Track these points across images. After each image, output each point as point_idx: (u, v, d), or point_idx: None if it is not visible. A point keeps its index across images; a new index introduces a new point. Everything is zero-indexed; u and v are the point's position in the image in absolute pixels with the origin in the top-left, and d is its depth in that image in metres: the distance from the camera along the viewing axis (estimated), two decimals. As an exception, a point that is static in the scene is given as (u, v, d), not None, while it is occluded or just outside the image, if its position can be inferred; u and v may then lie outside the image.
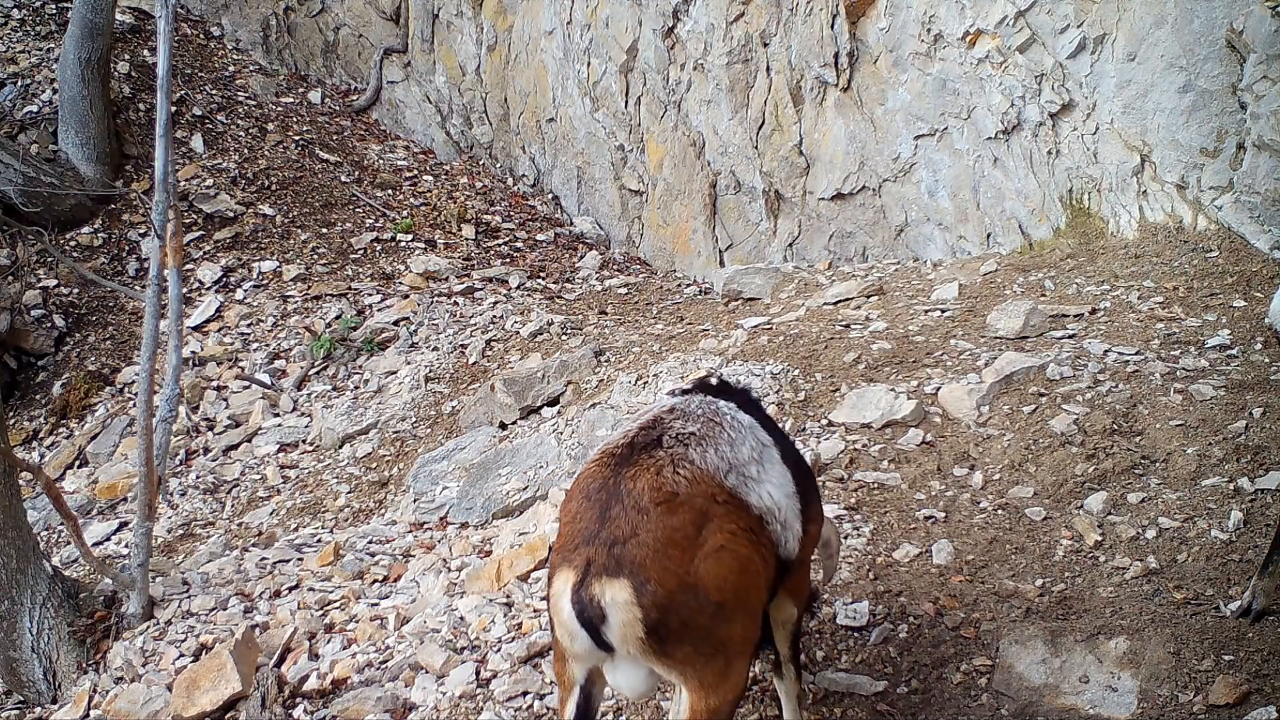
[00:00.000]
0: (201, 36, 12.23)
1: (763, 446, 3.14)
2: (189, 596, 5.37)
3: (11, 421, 8.50)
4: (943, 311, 6.50)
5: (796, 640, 3.53)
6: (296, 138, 11.14)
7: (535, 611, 4.57)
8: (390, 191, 10.82)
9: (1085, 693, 3.78)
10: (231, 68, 11.93)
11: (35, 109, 10.42)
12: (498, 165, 11.68)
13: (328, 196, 10.46)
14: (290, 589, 5.42)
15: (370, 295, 9.11)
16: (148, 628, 5.17)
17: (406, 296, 9.02)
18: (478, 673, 4.27)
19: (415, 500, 6.37)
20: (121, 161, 10.35)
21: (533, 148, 11.30)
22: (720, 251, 9.64)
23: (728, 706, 2.94)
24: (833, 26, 8.18)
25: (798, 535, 3.14)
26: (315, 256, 9.71)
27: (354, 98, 12.21)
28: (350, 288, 9.26)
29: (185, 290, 8.90)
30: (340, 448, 7.53)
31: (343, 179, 10.78)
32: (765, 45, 8.81)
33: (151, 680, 4.77)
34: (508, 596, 4.75)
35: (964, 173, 7.72)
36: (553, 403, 6.96)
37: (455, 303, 8.93)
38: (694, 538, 2.82)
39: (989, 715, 3.78)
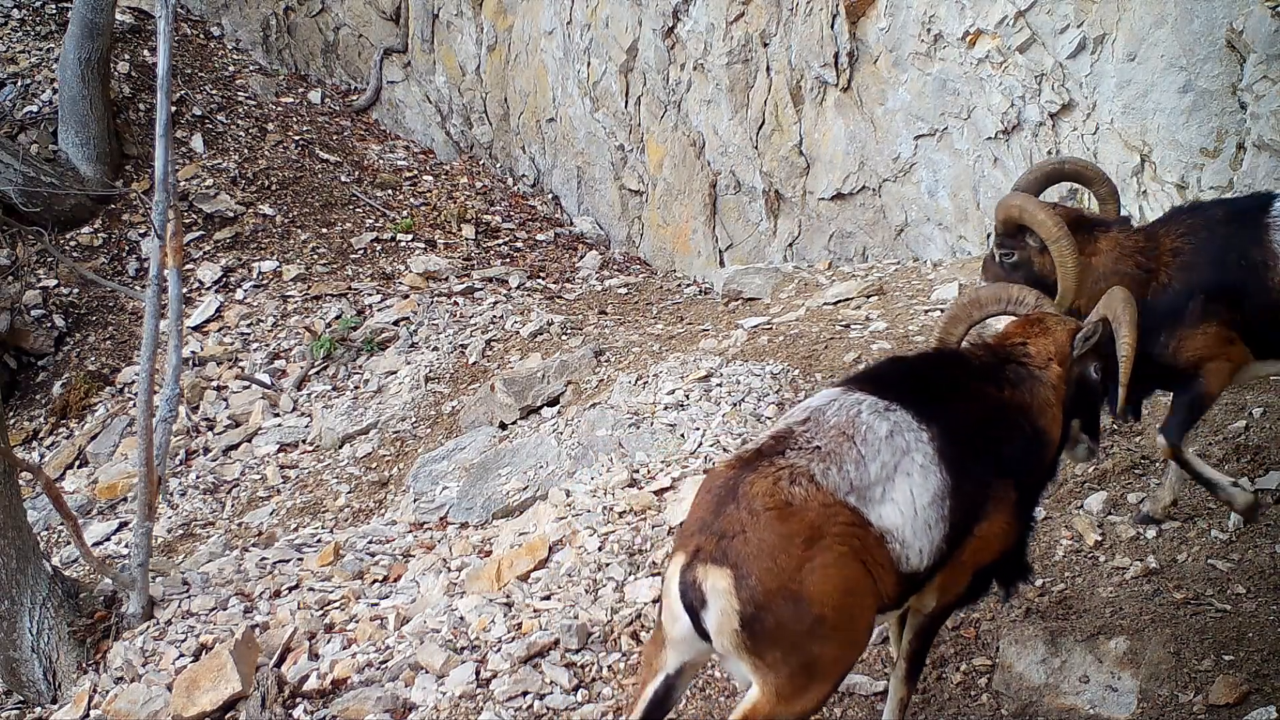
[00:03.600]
0: (201, 36, 12.23)
1: (900, 456, 3.03)
2: (189, 596, 5.37)
3: (11, 421, 8.50)
4: (943, 311, 6.50)
5: (924, 636, 3.40)
6: (296, 138, 11.14)
7: (535, 611, 4.57)
8: (390, 191, 10.82)
9: (1085, 693, 3.78)
10: (231, 68, 11.93)
11: (35, 109, 10.42)
12: (498, 165, 11.68)
13: (328, 196, 10.46)
14: (290, 589, 5.42)
15: (370, 295, 9.11)
16: (148, 628, 5.17)
17: (406, 296, 9.02)
18: (478, 673, 4.27)
19: (415, 500, 6.37)
20: (121, 161, 10.35)
21: (533, 148, 11.30)
22: (720, 251, 9.63)
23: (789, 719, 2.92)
24: (833, 26, 8.19)
25: (932, 546, 3.04)
26: (315, 256, 9.71)
27: (354, 98, 12.20)
28: (350, 288, 9.26)
29: (185, 290, 8.90)
30: (340, 448, 7.53)
31: (343, 179, 10.78)
32: (765, 45, 8.81)
33: (151, 680, 4.77)
34: (508, 596, 4.75)
35: (964, 173, 7.72)
36: (553, 403, 6.96)
37: (455, 303, 8.93)
38: (802, 549, 2.85)
39: (989, 715, 3.78)
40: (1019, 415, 3.32)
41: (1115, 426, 4.99)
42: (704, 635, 2.91)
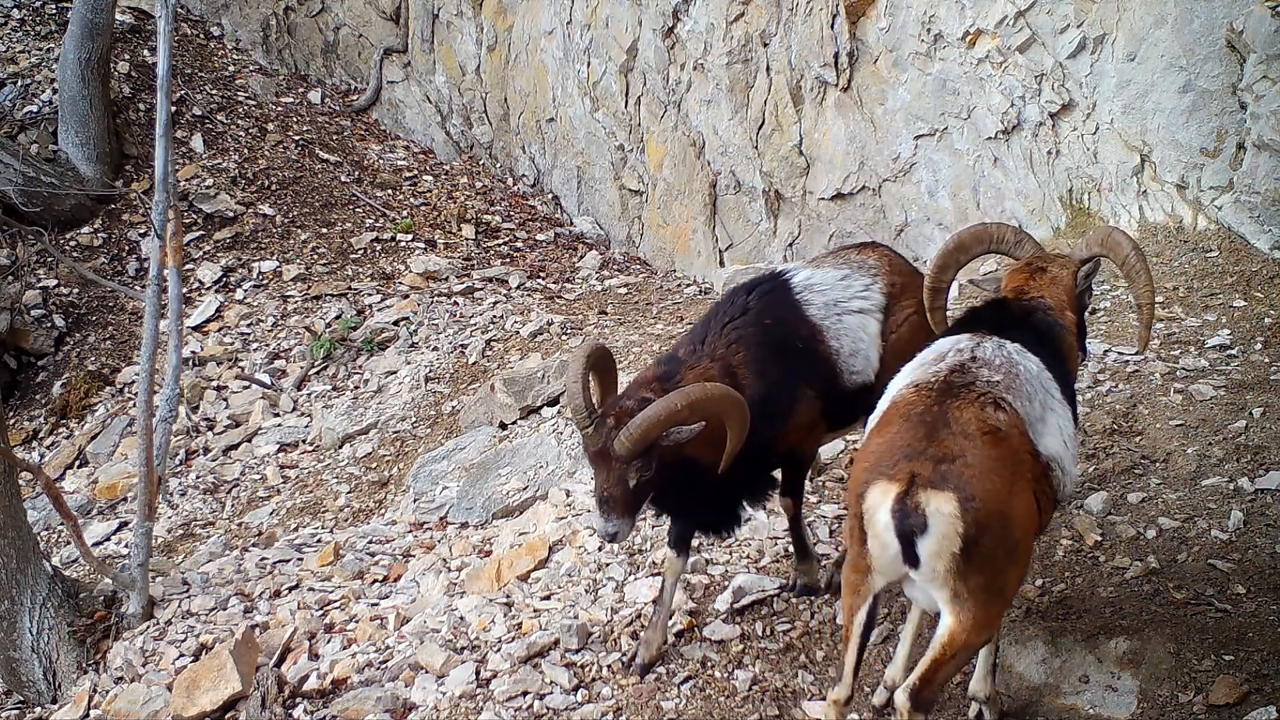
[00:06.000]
0: (201, 36, 12.23)
1: (1045, 393, 3.21)
2: (189, 596, 5.37)
3: (11, 421, 8.50)
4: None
5: None
6: (296, 138, 11.14)
7: (535, 611, 4.57)
8: (390, 191, 10.82)
9: (1085, 693, 3.78)
10: (231, 68, 11.93)
11: (35, 109, 10.43)
12: (498, 165, 11.68)
13: (328, 196, 10.46)
14: (290, 589, 5.43)
15: (370, 295, 9.11)
16: (148, 628, 5.17)
17: (406, 296, 9.02)
18: (478, 673, 4.27)
19: (415, 500, 6.37)
20: (121, 161, 10.35)
21: (533, 148, 11.30)
22: (720, 251, 9.63)
23: (977, 646, 3.06)
24: (833, 26, 8.18)
25: (1074, 478, 3.26)
26: (315, 256, 9.71)
27: (354, 98, 12.21)
28: (350, 288, 9.26)
29: (185, 290, 8.90)
30: (340, 448, 7.53)
31: (343, 179, 10.78)
32: (765, 45, 8.81)
33: (151, 680, 4.77)
34: (508, 596, 4.75)
35: (964, 173, 7.72)
36: (553, 403, 6.95)
37: (455, 303, 8.93)
38: (1011, 473, 2.97)
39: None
40: (1068, 355, 3.55)
41: (1116, 427, 4.99)
42: (913, 560, 2.93)
